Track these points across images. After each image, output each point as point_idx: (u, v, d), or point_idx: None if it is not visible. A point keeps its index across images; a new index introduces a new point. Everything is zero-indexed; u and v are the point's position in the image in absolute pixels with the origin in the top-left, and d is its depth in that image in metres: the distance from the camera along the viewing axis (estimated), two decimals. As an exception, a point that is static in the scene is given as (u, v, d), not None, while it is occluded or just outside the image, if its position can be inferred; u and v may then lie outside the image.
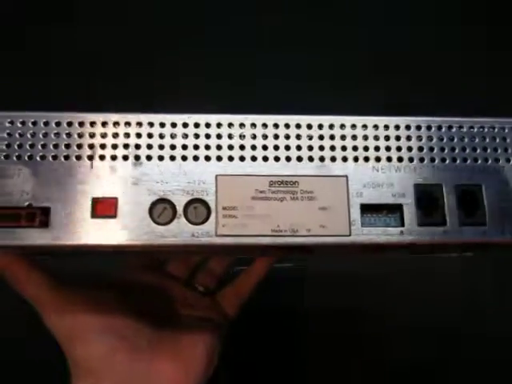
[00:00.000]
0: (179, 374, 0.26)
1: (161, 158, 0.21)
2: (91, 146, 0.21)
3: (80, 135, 0.21)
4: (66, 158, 0.21)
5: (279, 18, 0.59)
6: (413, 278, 0.47)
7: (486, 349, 0.46)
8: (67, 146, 0.21)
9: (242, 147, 0.21)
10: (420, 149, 0.21)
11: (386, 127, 0.21)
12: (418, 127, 0.21)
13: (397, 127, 0.21)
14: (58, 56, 0.57)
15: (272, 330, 0.45)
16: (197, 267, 0.35)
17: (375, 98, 0.55)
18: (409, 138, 0.21)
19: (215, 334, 0.29)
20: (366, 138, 0.21)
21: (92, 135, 0.21)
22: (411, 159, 0.20)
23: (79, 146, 0.21)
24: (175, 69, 0.56)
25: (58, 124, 0.21)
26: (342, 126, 0.21)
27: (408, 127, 0.21)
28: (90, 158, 0.21)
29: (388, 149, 0.21)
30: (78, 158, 0.21)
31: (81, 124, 0.21)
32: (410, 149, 0.21)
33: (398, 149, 0.21)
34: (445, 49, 0.58)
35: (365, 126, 0.21)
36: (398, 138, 0.21)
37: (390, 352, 0.46)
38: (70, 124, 0.21)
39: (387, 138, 0.21)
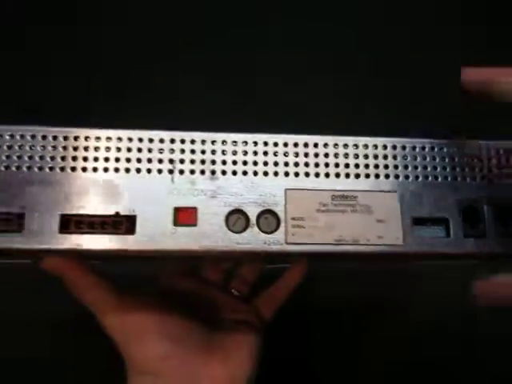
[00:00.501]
0: (228, 377, 0.27)
1: (234, 172, 0.23)
2: (171, 161, 0.23)
3: (160, 151, 0.23)
4: (149, 171, 0.23)
5: (279, 19, 0.61)
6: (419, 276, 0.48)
7: (488, 348, 0.47)
8: (149, 161, 0.23)
9: (306, 164, 0.23)
10: (462, 168, 0.23)
11: (432, 149, 0.24)
12: (461, 149, 0.24)
13: (441, 149, 0.24)
14: (58, 56, 0.57)
15: (286, 327, 0.46)
16: (230, 273, 0.36)
17: (375, 98, 0.56)
18: (453, 158, 0.24)
19: (257, 336, 0.30)
20: (415, 157, 0.23)
21: (172, 151, 0.23)
22: (455, 177, 0.23)
23: (160, 161, 0.23)
24: (175, 71, 0.57)
25: (140, 140, 0.23)
26: (394, 147, 0.23)
27: (450, 147, 0.24)
28: (171, 172, 0.23)
29: (435, 168, 0.23)
30: (160, 171, 0.23)
31: (161, 141, 0.23)
32: (453, 168, 0.23)
33: (444, 168, 0.23)
34: (445, 49, 0.59)
35: (414, 148, 0.24)
36: (443, 159, 0.23)
37: (399, 350, 0.47)
38: (151, 140, 0.23)
39: (434, 158, 0.24)
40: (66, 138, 0.23)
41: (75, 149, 0.23)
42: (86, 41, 0.58)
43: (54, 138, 0.23)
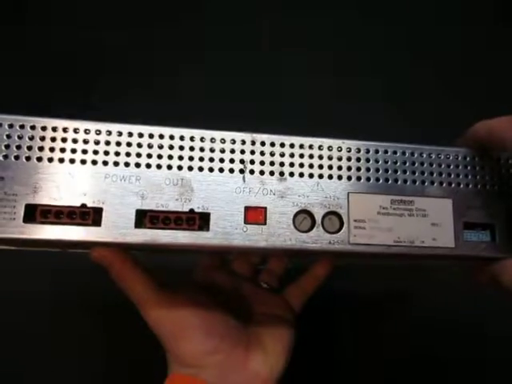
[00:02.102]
0: (267, 369, 0.28)
1: (301, 174, 0.24)
2: (242, 161, 0.24)
3: (232, 151, 0.24)
4: (221, 170, 0.24)
5: (279, 18, 0.61)
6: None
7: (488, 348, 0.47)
8: (221, 160, 0.24)
9: (367, 169, 0.25)
10: (508, 177, 0.25)
11: (485, 160, 0.25)
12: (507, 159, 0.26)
13: (498, 160, 0.26)
14: (57, 55, 0.56)
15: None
16: (259, 266, 0.36)
17: (375, 98, 0.57)
18: (500, 169, 0.25)
19: (290, 329, 0.31)
20: (466, 166, 0.25)
21: (242, 152, 0.24)
22: (502, 186, 0.25)
23: (232, 161, 0.24)
24: (175, 66, 0.57)
25: (212, 140, 0.24)
26: (448, 157, 0.25)
27: (498, 160, 0.26)
28: (242, 171, 0.24)
29: (483, 177, 0.25)
30: (231, 171, 0.24)
31: (233, 141, 0.24)
32: (501, 177, 0.25)
33: (492, 177, 0.25)
34: (445, 49, 0.60)
35: (465, 158, 0.25)
36: (497, 169, 0.25)
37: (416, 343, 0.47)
38: (223, 141, 0.24)
39: (482, 168, 0.25)
40: (147, 136, 0.24)
41: (150, 146, 0.24)
42: (86, 42, 0.56)
43: (140, 135, 0.23)
